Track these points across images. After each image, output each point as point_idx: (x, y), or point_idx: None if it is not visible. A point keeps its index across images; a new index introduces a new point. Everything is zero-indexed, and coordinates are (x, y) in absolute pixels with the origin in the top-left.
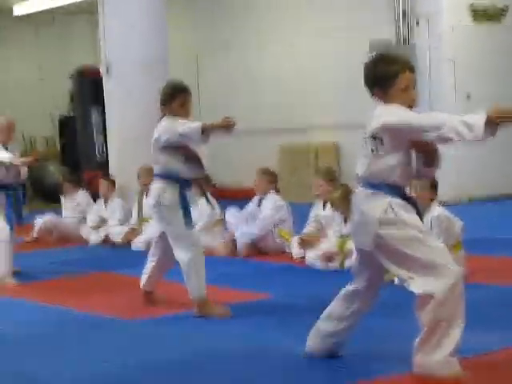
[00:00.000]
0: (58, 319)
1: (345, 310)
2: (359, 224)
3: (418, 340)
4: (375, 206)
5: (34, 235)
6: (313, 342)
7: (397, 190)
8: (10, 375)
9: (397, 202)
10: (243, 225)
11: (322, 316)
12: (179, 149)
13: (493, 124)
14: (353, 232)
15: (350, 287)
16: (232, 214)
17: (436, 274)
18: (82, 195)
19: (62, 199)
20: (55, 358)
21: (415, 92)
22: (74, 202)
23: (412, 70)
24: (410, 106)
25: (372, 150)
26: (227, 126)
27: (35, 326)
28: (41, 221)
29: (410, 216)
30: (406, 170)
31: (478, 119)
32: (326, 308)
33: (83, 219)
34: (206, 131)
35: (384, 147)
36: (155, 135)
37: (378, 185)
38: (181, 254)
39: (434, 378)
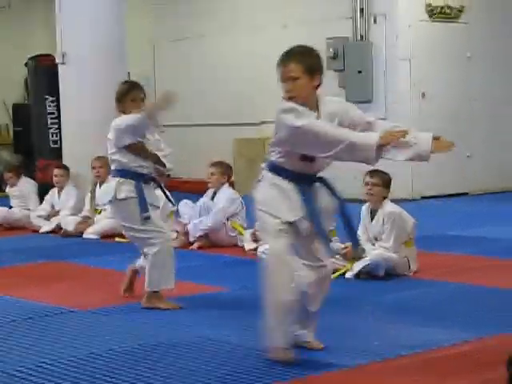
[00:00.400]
0: (5, 308)
1: None
2: None
3: None
4: None
5: None
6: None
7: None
8: None
9: None
10: (196, 217)
11: None
12: (135, 147)
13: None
14: None
15: None
16: (186, 206)
17: None
18: (23, 183)
19: (7, 188)
20: (2, 348)
21: (287, 85)
22: (17, 191)
23: (281, 63)
24: (289, 98)
25: None
26: (168, 100)
27: None
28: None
29: None
30: None
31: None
32: None
33: (27, 208)
34: (150, 115)
35: None
36: (110, 136)
37: None
38: (145, 248)
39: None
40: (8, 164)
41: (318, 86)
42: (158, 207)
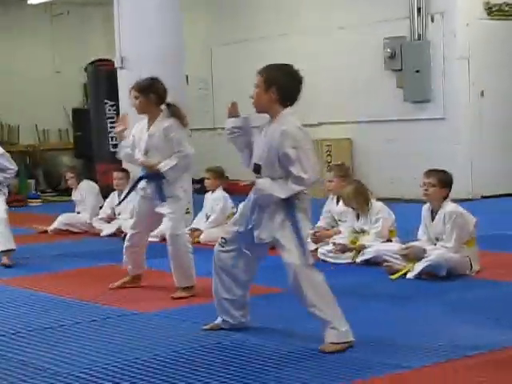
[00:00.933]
0: (70, 311)
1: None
2: None
3: None
4: None
5: (50, 230)
6: None
7: None
8: (22, 365)
9: None
10: None
11: None
12: None
13: None
14: None
15: None
16: None
17: None
18: (84, 186)
19: (73, 193)
20: (68, 350)
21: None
22: (78, 195)
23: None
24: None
25: None
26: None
27: (48, 318)
28: (60, 219)
29: None
30: None
31: None
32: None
33: (91, 211)
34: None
35: None
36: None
37: None
38: None
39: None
40: (66, 168)
41: (282, 102)
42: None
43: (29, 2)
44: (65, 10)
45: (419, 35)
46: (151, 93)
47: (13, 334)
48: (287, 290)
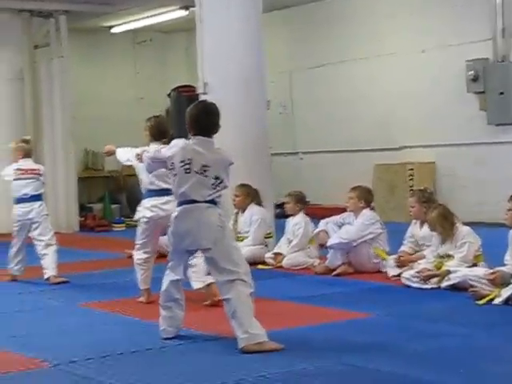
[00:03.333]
0: (156, 334)
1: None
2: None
3: None
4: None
5: None
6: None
7: None
8: None
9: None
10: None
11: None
12: None
13: None
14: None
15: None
16: (331, 227)
17: None
18: None
19: None
20: (155, 373)
21: None
22: None
23: None
24: None
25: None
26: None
27: (136, 340)
28: None
29: None
30: None
31: None
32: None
33: None
34: None
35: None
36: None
37: None
38: None
39: None
40: None
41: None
42: None
43: (113, 31)
44: (148, 38)
45: (503, 56)
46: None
47: (102, 357)
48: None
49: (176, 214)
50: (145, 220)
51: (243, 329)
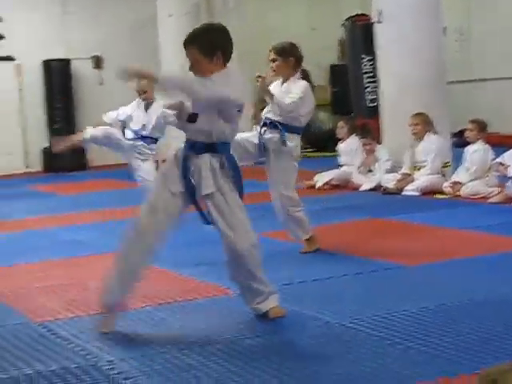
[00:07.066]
0: (336, 263)
1: None
2: None
3: None
4: None
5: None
6: None
7: None
8: (295, 315)
9: None
10: None
11: None
12: None
13: None
14: None
15: None
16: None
17: None
18: (352, 140)
19: (338, 145)
20: (338, 301)
21: None
22: (345, 147)
23: None
24: None
25: None
26: None
27: (317, 269)
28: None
29: None
30: None
31: None
32: None
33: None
34: None
35: None
36: None
37: None
38: None
39: None
40: (342, 120)
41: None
42: None
43: None
44: None
45: None
46: (291, 56)
47: (284, 284)
48: None
49: None
50: None
51: None
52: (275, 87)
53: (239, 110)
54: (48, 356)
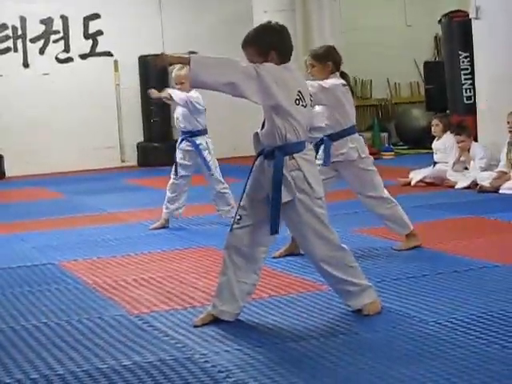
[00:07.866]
0: (432, 261)
1: None
2: None
3: None
4: None
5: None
6: None
7: None
8: (388, 311)
9: None
10: None
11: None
12: None
13: None
14: None
15: None
16: None
17: None
18: (447, 137)
19: (434, 142)
20: (433, 299)
21: None
22: (440, 145)
23: None
24: None
25: None
26: None
27: (411, 267)
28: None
29: None
30: None
31: None
32: None
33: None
34: None
35: None
36: None
37: None
38: None
39: None
40: (437, 117)
41: None
42: None
43: None
44: None
45: None
46: (328, 61)
47: (378, 282)
48: None
49: None
50: None
51: None
52: None
53: (298, 102)
54: (145, 348)
